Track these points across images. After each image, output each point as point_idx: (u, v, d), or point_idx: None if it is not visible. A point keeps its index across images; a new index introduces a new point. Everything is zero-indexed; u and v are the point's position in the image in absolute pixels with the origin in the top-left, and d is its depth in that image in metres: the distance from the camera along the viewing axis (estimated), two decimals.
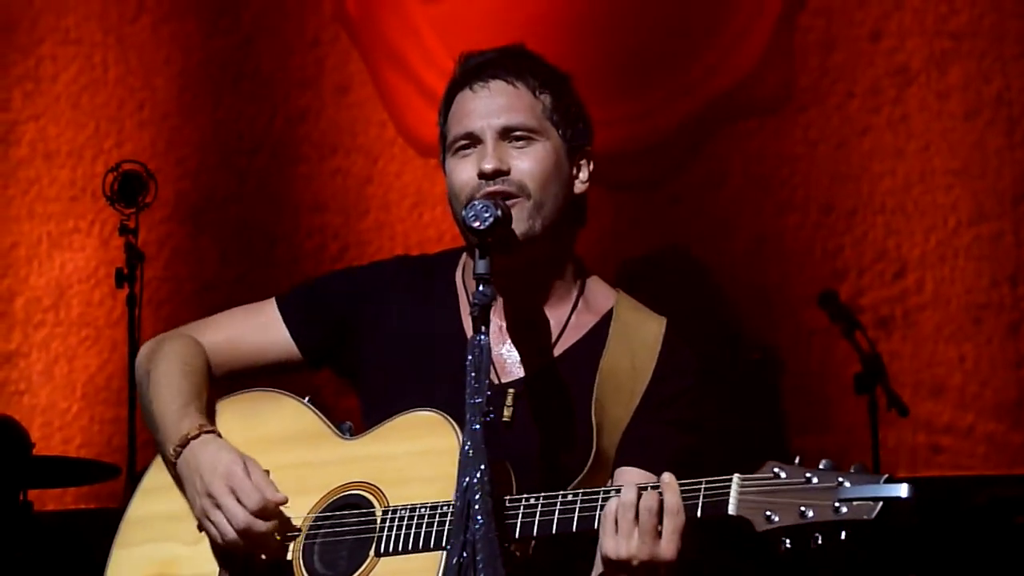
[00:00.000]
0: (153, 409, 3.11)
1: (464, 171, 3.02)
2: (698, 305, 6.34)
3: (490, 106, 3.03)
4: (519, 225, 2.97)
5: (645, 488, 2.71)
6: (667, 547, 2.68)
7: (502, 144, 3.00)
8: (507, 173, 2.99)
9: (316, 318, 3.19)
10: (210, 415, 3.12)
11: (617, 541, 2.69)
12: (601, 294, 3.13)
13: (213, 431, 3.02)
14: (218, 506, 2.92)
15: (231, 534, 2.92)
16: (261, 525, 2.90)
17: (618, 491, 2.72)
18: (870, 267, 6.61)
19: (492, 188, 2.97)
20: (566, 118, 3.07)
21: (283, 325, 3.19)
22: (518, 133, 3.02)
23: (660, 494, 2.69)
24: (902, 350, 6.50)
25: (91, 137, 6.97)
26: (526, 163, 3.00)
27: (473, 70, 3.08)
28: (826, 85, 6.73)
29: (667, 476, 2.70)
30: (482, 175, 2.98)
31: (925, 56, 6.66)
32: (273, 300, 3.23)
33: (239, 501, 2.91)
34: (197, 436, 3.00)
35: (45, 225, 6.91)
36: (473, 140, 3.02)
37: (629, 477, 2.91)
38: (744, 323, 6.48)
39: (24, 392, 6.80)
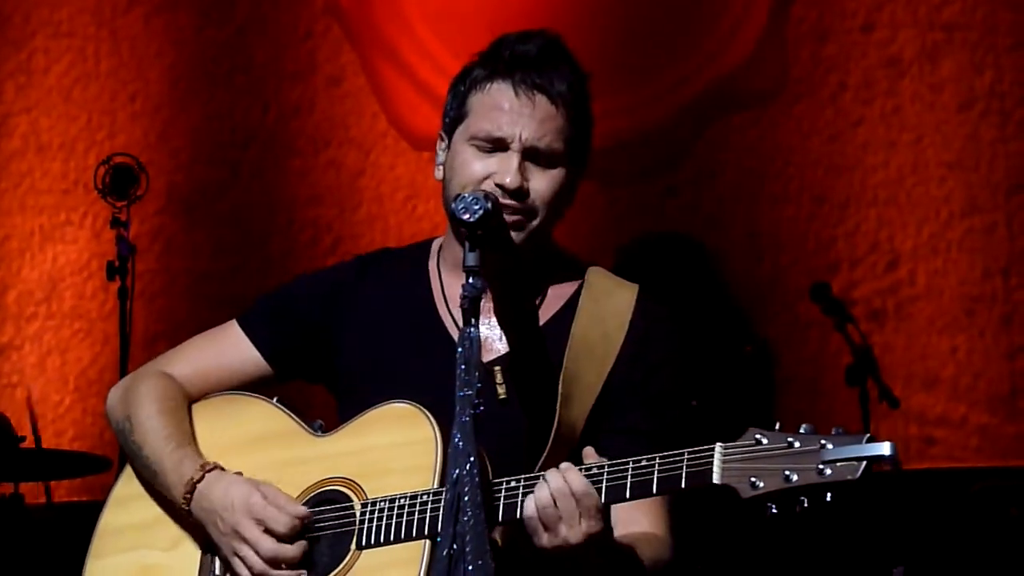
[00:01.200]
0: (145, 454, 3.08)
1: (481, 166, 2.99)
2: (692, 297, 6.33)
3: (528, 121, 2.98)
4: (518, 237, 2.98)
5: (555, 474, 2.71)
6: (593, 524, 2.69)
7: (525, 162, 2.99)
8: (526, 193, 2.98)
9: (281, 328, 3.16)
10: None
11: (549, 537, 2.71)
12: (577, 267, 3.13)
13: (215, 467, 3.00)
14: (244, 540, 2.90)
15: (259, 564, 2.89)
16: (289, 550, 2.89)
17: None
18: (863, 259, 6.61)
19: (506, 202, 2.95)
20: (586, 145, 3.07)
21: (248, 343, 3.16)
22: (544, 160, 3.00)
23: (565, 479, 2.69)
24: (895, 342, 6.50)
25: (83, 130, 6.96)
26: (543, 185, 2.99)
27: (520, 65, 3.01)
28: (819, 77, 6.73)
29: (564, 465, 2.72)
30: (501, 187, 2.96)
31: (918, 48, 6.66)
32: (234, 321, 3.20)
33: (267, 531, 2.89)
34: (201, 479, 2.97)
35: (37, 218, 6.91)
36: (499, 146, 2.99)
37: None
38: (737, 315, 6.48)
39: (17, 385, 6.79)
